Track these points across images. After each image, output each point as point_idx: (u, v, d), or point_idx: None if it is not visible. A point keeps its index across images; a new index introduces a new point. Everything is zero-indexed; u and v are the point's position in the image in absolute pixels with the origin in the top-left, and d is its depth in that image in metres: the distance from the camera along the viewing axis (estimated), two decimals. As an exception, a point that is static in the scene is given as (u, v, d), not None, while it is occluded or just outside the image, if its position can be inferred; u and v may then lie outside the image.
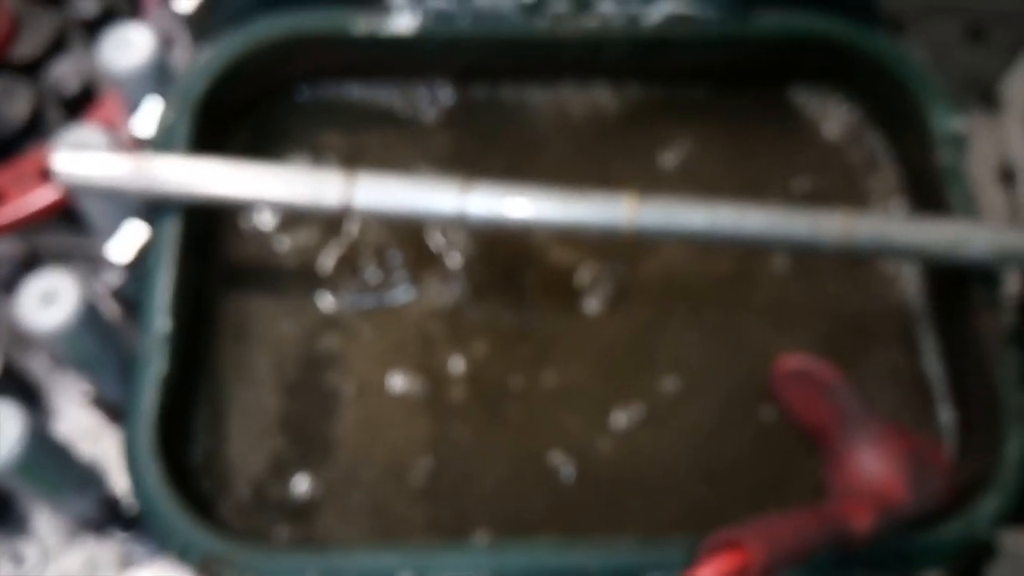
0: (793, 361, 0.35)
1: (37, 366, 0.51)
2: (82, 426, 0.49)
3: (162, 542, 0.35)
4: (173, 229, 0.39)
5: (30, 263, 0.51)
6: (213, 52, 0.43)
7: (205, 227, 0.42)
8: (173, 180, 0.38)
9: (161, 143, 0.41)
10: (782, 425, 0.38)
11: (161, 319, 0.38)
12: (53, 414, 0.50)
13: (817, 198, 0.45)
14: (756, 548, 0.28)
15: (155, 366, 0.37)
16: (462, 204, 0.38)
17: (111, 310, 0.47)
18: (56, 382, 0.51)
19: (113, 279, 0.50)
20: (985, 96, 0.59)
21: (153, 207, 0.41)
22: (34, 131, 0.55)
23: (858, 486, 0.34)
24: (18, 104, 0.55)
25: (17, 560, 0.47)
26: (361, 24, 0.44)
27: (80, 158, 0.38)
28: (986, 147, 0.58)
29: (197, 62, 0.43)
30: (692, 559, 0.29)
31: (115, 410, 0.49)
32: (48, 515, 0.48)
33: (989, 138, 0.58)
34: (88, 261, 0.50)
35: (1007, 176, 0.56)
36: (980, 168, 0.54)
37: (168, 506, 0.35)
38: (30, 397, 0.51)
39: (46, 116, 0.56)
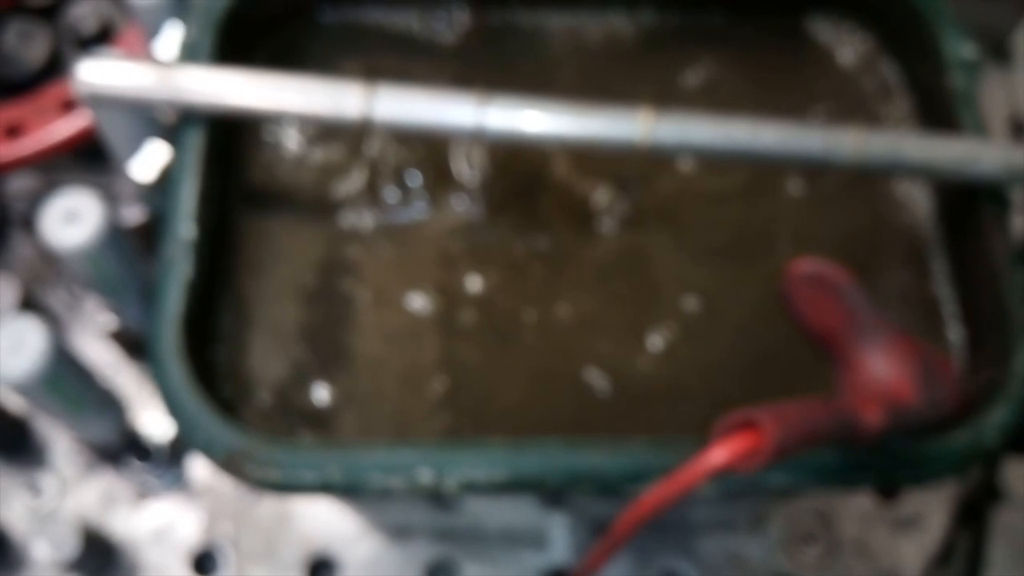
0: (806, 264, 0.36)
1: (57, 300, 0.52)
2: (101, 359, 0.51)
3: (188, 439, 0.36)
4: (197, 140, 0.40)
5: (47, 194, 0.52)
6: (235, -29, 0.43)
7: (228, 141, 0.43)
8: (197, 89, 0.39)
9: (185, 59, 0.42)
10: (800, 341, 0.39)
11: (186, 225, 0.38)
12: (73, 347, 0.51)
13: (832, 124, 0.45)
14: (770, 428, 0.28)
15: (180, 269, 0.37)
16: (480, 117, 0.39)
17: (132, 240, 0.47)
18: (75, 316, 0.52)
19: (136, 214, 0.51)
20: (997, 50, 0.60)
21: (175, 127, 0.41)
22: (52, 72, 0.56)
23: (868, 385, 0.34)
24: (36, 46, 0.56)
25: (34, 490, 0.48)
26: (381, -55, 0.44)
27: (105, 67, 0.39)
28: (997, 100, 0.58)
29: (219, -20, 0.43)
30: (707, 440, 0.30)
31: (134, 343, 0.50)
32: (66, 446, 0.49)
33: (1000, 91, 0.59)
34: (110, 197, 0.51)
35: (1018, 128, 0.57)
36: (991, 120, 0.55)
37: (192, 403, 0.35)
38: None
39: (64, 57, 0.56)
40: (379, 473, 0.35)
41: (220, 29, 0.42)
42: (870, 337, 0.35)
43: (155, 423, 0.49)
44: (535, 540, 0.48)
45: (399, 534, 0.48)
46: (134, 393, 0.50)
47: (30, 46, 0.57)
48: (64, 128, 0.53)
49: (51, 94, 0.54)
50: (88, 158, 0.55)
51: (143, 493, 0.49)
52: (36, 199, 0.54)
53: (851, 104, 0.47)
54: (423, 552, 0.47)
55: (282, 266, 0.42)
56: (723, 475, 0.29)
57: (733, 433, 0.29)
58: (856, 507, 0.49)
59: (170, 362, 0.36)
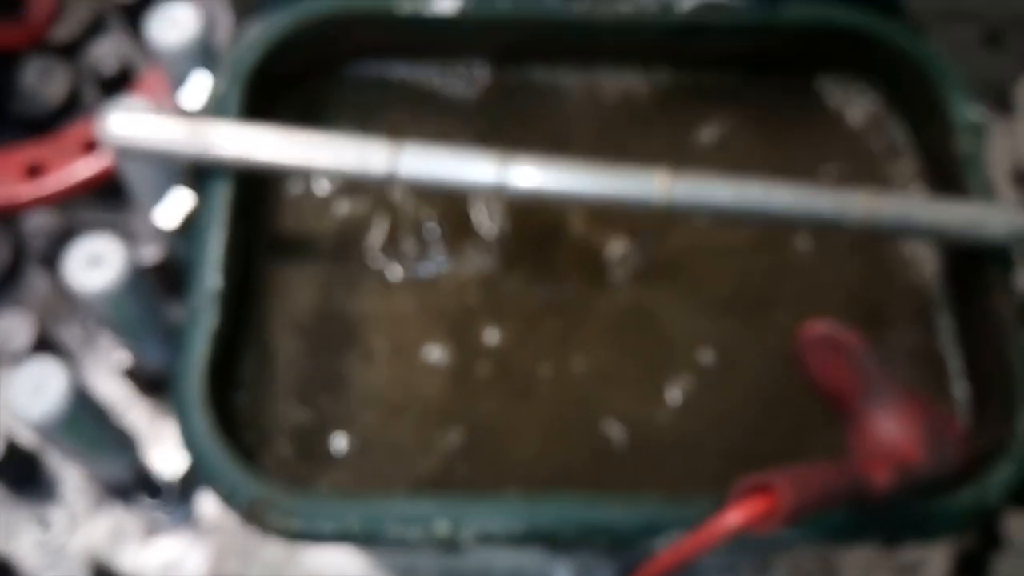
0: (819, 326, 0.37)
1: (70, 336, 0.53)
2: (114, 396, 0.51)
3: (210, 487, 0.36)
4: (225, 192, 0.41)
5: (68, 236, 0.52)
6: (263, 26, 0.44)
7: (254, 193, 0.44)
8: (227, 145, 0.40)
9: (212, 112, 0.43)
10: (809, 395, 0.40)
11: (213, 275, 0.39)
12: (85, 385, 0.52)
13: (842, 183, 0.46)
14: (785, 492, 0.29)
15: (206, 319, 0.38)
16: (501, 175, 0.40)
17: (151, 280, 0.48)
18: (89, 352, 0.52)
19: (154, 253, 0.52)
20: (1000, 100, 0.61)
21: (199, 176, 0.42)
22: (72, 111, 0.57)
23: (877, 447, 0.35)
24: (56, 84, 0.57)
25: (44, 525, 0.49)
26: (406, 4, 0.45)
27: (134, 119, 0.40)
28: (1001, 150, 0.59)
29: (248, 35, 0.44)
30: (721, 504, 0.31)
31: (148, 381, 0.51)
32: (76, 481, 0.49)
33: (1004, 142, 0.60)
34: (128, 236, 0.52)
35: (1021, 178, 0.58)
36: (995, 171, 0.56)
37: (216, 452, 0.36)
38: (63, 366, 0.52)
39: (84, 96, 0.58)
40: (397, 524, 0.36)
41: (248, 82, 0.43)
42: (879, 399, 0.36)
43: (165, 460, 0.50)
44: None
45: (406, 575, 0.48)
46: (145, 430, 0.50)
47: (50, 85, 0.58)
48: (85, 169, 0.54)
49: (73, 135, 0.55)
50: (106, 196, 0.55)
51: (152, 529, 0.49)
52: (54, 236, 0.55)
53: (860, 163, 0.48)
54: None
55: (303, 315, 0.43)
56: (738, 536, 0.30)
57: (749, 496, 0.30)
58: (858, 554, 0.50)
59: (195, 411, 0.37)
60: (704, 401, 0.42)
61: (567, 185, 0.40)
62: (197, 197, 0.43)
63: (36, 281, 0.54)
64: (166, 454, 0.50)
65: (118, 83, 0.59)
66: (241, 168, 0.41)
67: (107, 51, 0.60)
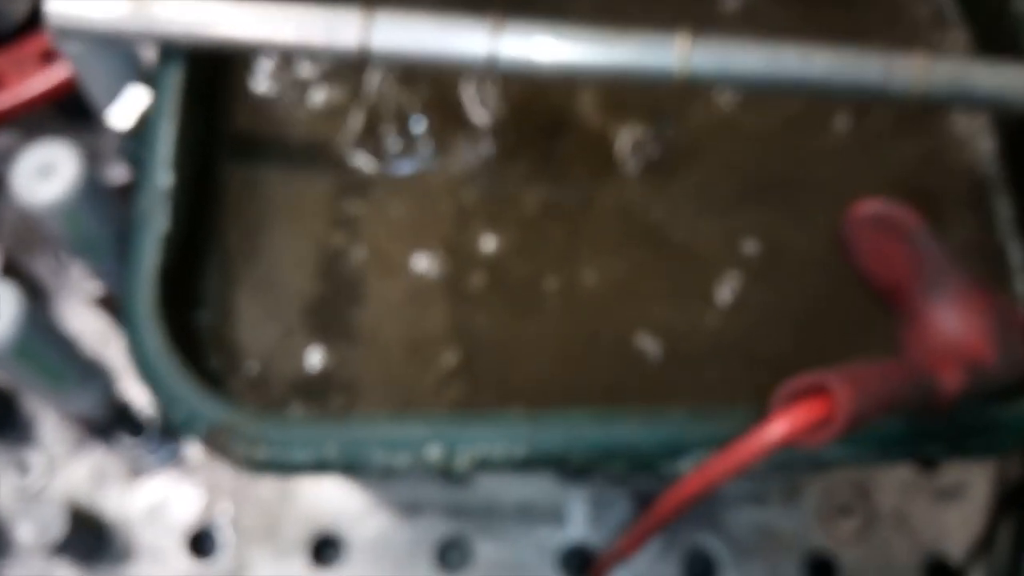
0: (871, 205, 0.31)
1: (42, 266, 0.50)
2: (89, 328, 0.48)
3: (166, 412, 0.32)
4: (176, 77, 0.36)
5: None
6: None
7: (212, 82, 0.39)
8: (175, 20, 0.35)
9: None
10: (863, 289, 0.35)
11: (163, 173, 0.34)
12: (58, 316, 0.49)
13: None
14: (844, 394, 0.24)
15: (156, 222, 0.33)
16: (493, 45, 0.34)
17: (114, 197, 0.44)
18: (61, 283, 0.49)
19: (122, 173, 0.48)
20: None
21: (155, 68, 0.38)
22: (33, 28, 0.52)
23: (941, 344, 0.30)
24: (18, 2, 0.52)
25: (22, 468, 0.46)
26: None
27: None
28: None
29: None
30: (761, 414, 0.25)
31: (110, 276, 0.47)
32: (54, 422, 0.46)
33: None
34: (92, 155, 0.48)
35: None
36: None
37: (170, 372, 0.31)
38: (34, 297, 0.49)
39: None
40: (382, 450, 0.31)
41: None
42: (941, 288, 0.30)
43: (147, 395, 0.46)
44: (553, 515, 0.45)
45: (408, 510, 0.45)
46: (124, 364, 0.47)
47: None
48: (44, 80, 0.50)
49: (30, 45, 0.52)
50: (70, 115, 0.52)
51: (136, 470, 0.46)
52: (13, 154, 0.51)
53: (904, 34, 0.43)
54: (434, 529, 0.45)
55: (273, 222, 0.38)
56: (784, 450, 0.25)
57: (798, 401, 0.25)
58: (895, 477, 0.46)
59: (145, 325, 0.32)
60: (755, 298, 0.37)
61: (572, 56, 0.35)
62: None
63: (2, 209, 0.51)
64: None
65: None
66: (194, 48, 0.36)
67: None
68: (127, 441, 0.46)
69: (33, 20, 0.55)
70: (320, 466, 0.31)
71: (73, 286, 0.49)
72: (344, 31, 0.34)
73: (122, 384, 0.47)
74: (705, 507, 0.45)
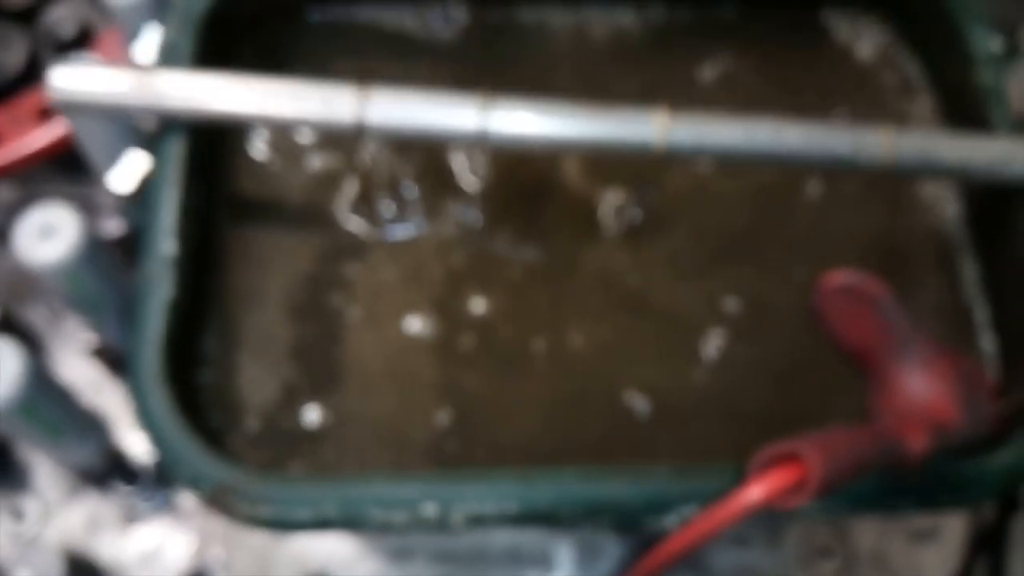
0: (840, 276, 0.33)
1: (37, 317, 0.50)
2: (84, 378, 0.48)
3: (170, 470, 0.33)
4: (178, 149, 0.37)
5: (25, 206, 0.49)
6: (217, -33, 0.41)
7: (211, 150, 0.40)
8: (177, 95, 0.36)
9: (163, 62, 0.39)
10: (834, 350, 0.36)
11: (167, 241, 0.36)
12: (53, 366, 0.49)
13: (855, 122, 0.43)
14: (815, 461, 0.26)
15: (161, 289, 0.35)
16: (483, 121, 0.36)
17: (112, 254, 0.45)
18: (57, 333, 0.49)
19: (117, 226, 0.49)
20: (1009, 43, 0.57)
21: (155, 136, 0.39)
22: (30, 79, 0.53)
23: (908, 407, 0.32)
24: (13, 51, 0.54)
25: (16, 515, 0.46)
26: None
27: (79, 73, 0.36)
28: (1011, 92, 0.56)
29: (200, -22, 0.40)
30: (739, 475, 0.27)
31: (117, 361, 0.47)
32: (49, 468, 0.46)
33: (1013, 84, 0.57)
34: (89, 209, 0.49)
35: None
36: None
37: (176, 433, 0.33)
38: (30, 347, 0.49)
39: (42, 62, 0.54)
40: (380, 508, 0.32)
41: (201, 30, 0.40)
42: (908, 353, 0.32)
43: (141, 444, 0.46)
44: (541, 560, 0.46)
45: (399, 556, 0.45)
46: (119, 412, 0.47)
47: (7, 52, 0.55)
48: (41, 137, 0.50)
49: (28, 102, 0.52)
50: (67, 168, 0.52)
51: (130, 516, 0.46)
52: (12, 210, 0.52)
53: (872, 101, 0.44)
54: (424, 572, 0.45)
55: (271, 283, 0.40)
56: (761, 512, 0.27)
57: (773, 466, 0.26)
58: (872, 521, 0.47)
59: (152, 389, 0.33)
60: (740, 354, 0.39)
61: (557, 130, 0.36)
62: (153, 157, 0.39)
63: None
64: (141, 438, 0.47)
65: (77, 46, 0.55)
66: (195, 121, 0.37)
67: (64, 14, 0.56)
68: (121, 488, 0.47)
69: (29, 72, 0.56)
70: (320, 524, 0.33)
71: (68, 336, 0.49)
72: (340, 106, 0.36)
73: (117, 433, 0.47)
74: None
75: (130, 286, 0.45)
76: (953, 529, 0.47)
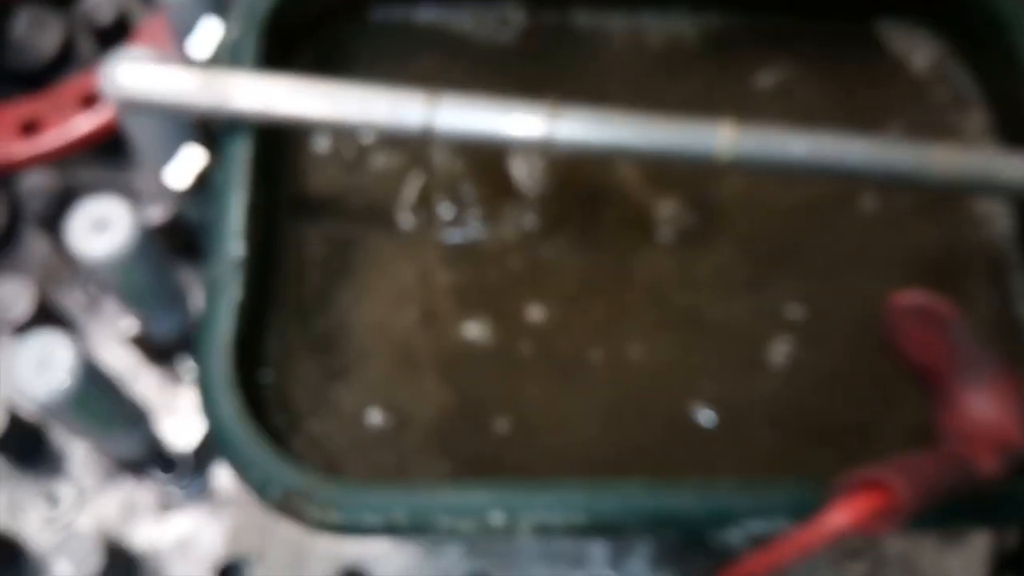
0: (910, 296, 0.33)
1: (72, 302, 0.50)
2: (121, 365, 0.48)
3: (240, 477, 0.33)
4: (245, 150, 0.37)
5: (67, 197, 0.50)
6: (280, -34, 0.41)
7: (275, 148, 0.40)
8: (247, 97, 0.36)
9: (224, 62, 0.39)
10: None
11: (235, 243, 0.36)
12: (90, 353, 0.49)
13: (909, 135, 0.43)
14: (901, 487, 0.26)
15: (230, 292, 0.35)
16: (551, 128, 0.36)
17: (160, 245, 0.45)
18: (92, 319, 0.49)
19: (160, 213, 0.49)
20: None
21: (211, 131, 0.39)
22: (65, 64, 0.54)
23: (975, 428, 0.32)
24: (49, 35, 0.53)
25: (52, 501, 0.46)
26: (436, -61, 0.42)
27: (142, 71, 0.36)
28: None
29: (264, -23, 0.40)
30: (809, 489, 0.27)
31: (157, 348, 0.48)
32: (84, 454, 0.46)
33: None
34: (131, 195, 0.47)
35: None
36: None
37: (247, 439, 0.33)
38: (67, 334, 0.49)
39: (78, 47, 0.54)
40: (448, 515, 0.33)
41: (264, 29, 0.40)
42: (975, 375, 0.33)
43: (178, 431, 0.47)
44: (575, 558, 0.46)
45: (432, 548, 0.45)
46: (155, 399, 0.47)
47: (42, 36, 0.55)
48: (84, 124, 0.50)
49: (70, 88, 0.52)
50: (107, 153, 0.52)
51: (166, 504, 0.46)
52: (53, 197, 0.52)
53: (925, 114, 0.45)
54: (457, 567, 0.45)
55: (329, 284, 0.40)
56: (847, 537, 0.27)
57: (857, 493, 0.27)
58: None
59: (222, 395, 0.33)
60: (808, 360, 0.39)
61: (623, 139, 0.37)
62: (210, 154, 0.39)
63: (35, 245, 0.51)
64: (178, 425, 0.47)
65: (114, 33, 0.55)
66: (261, 123, 0.37)
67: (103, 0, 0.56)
68: (157, 475, 0.47)
69: (64, 57, 0.55)
70: (389, 529, 0.33)
71: (105, 322, 0.49)
72: (410, 112, 0.36)
73: (154, 420, 0.46)
74: (717, 547, 0.46)
75: (175, 275, 0.45)
76: (979, 535, 0.47)
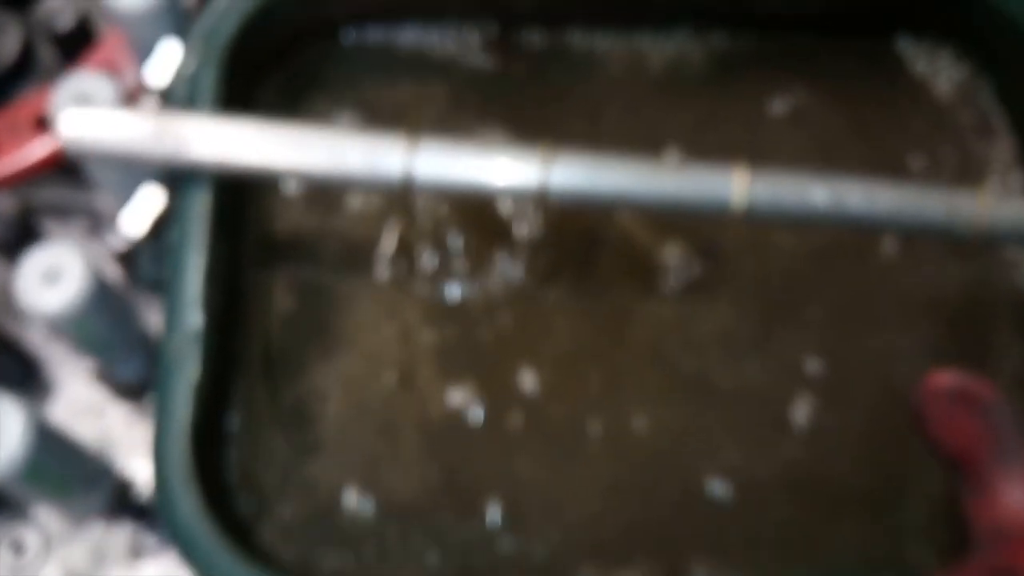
0: (947, 378, 0.30)
1: (34, 334, 0.47)
2: (84, 401, 0.46)
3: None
4: (203, 203, 0.33)
5: (26, 220, 0.47)
6: (240, -12, 0.37)
7: (239, 193, 0.37)
8: (204, 146, 0.33)
9: (183, 97, 0.35)
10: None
11: (193, 314, 0.32)
12: (52, 388, 0.46)
13: (933, 166, 0.40)
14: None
15: (188, 371, 0.31)
16: (544, 176, 0.33)
17: (116, 275, 0.42)
18: (54, 352, 0.47)
19: (119, 242, 0.46)
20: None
21: (175, 185, 0.35)
22: (25, 71, 0.51)
23: (1011, 518, 0.29)
24: (7, 42, 0.51)
25: (17, 549, 0.44)
26: (415, -43, 0.38)
27: (91, 117, 0.33)
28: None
29: (223, 1, 0.36)
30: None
31: (121, 385, 0.45)
32: (51, 501, 0.44)
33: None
34: (89, 217, 0.47)
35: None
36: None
37: (209, 543, 0.30)
38: (26, 369, 0.46)
39: (38, 55, 0.52)
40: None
41: (225, 58, 0.36)
42: (1013, 460, 0.29)
43: (147, 471, 0.44)
44: None
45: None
46: (122, 437, 0.45)
47: (1, 42, 0.52)
48: (40, 148, 0.47)
49: (25, 108, 0.48)
50: (67, 173, 0.49)
51: (136, 551, 0.44)
52: (8, 221, 0.49)
53: (950, 142, 0.41)
54: None
55: (299, 345, 0.36)
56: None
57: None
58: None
59: (180, 492, 0.30)
60: (831, 419, 0.36)
61: (624, 189, 0.33)
62: (169, 196, 0.36)
63: None
64: (148, 464, 0.44)
65: (75, 40, 0.52)
66: (221, 173, 0.34)
67: (62, 3, 0.53)
68: (127, 521, 0.44)
69: (24, 64, 0.52)
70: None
71: (67, 356, 0.46)
72: (387, 162, 0.32)
73: (122, 459, 0.44)
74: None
75: (136, 320, 0.42)
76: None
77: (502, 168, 0.33)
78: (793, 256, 0.39)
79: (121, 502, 0.44)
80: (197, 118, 0.33)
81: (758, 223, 0.34)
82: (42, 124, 0.47)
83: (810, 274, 0.39)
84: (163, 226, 0.37)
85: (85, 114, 0.32)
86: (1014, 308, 0.39)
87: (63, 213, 0.47)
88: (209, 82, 0.35)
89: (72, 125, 0.32)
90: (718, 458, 0.35)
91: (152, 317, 0.44)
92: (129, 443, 0.44)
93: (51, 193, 0.49)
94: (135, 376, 0.44)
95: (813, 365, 0.37)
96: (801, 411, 0.37)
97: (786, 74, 0.41)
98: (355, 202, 0.39)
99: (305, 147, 0.33)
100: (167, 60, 0.39)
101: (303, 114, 0.39)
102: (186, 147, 0.33)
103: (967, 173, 0.40)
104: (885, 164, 0.40)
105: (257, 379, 0.35)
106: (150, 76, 0.39)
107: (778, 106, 0.41)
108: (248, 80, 0.37)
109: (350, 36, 0.40)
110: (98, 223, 0.47)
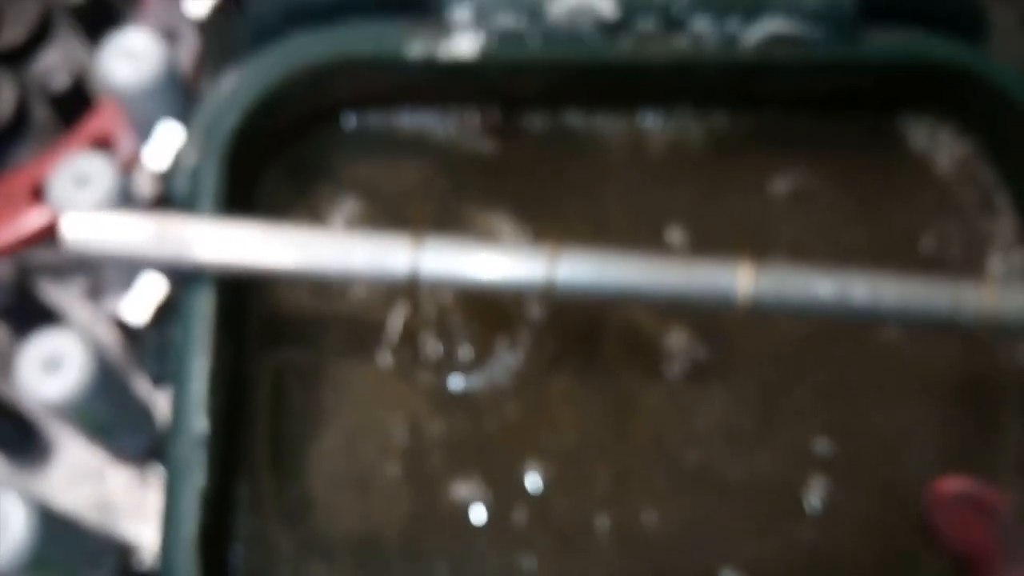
0: (956, 484, 0.31)
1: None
2: (84, 465, 0.45)
3: None
4: (206, 304, 0.33)
5: (23, 282, 0.47)
6: (243, 79, 0.37)
7: (241, 291, 0.36)
8: (207, 249, 0.32)
9: (185, 194, 0.35)
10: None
11: (198, 419, 0.32)
12: (51, 451, 0.45)
13: (935, 245, 0.41)
14: None
15: (194, 478, 0.31)
16: (551, 273, 0.33)
17: (116, 344, 0.42)
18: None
19: (116, 307, 0.45)
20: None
21: (179, 285, 0.35)
22: (20, 130, 0.51)
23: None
24: (2, 100, 0.50)
25: None
26: (416, 47, 0.37)
27: (92, 221, 0.32)
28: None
29: (223, 92, 0.36)
30: None
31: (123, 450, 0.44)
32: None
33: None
34: (88, 279, 0.46)
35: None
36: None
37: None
38: (24, 433, 0.45)
39: (33, 114, 0.51)
40: None
41: (227, 150, 0.36)
42: (1020, 565, 0.29)
43: (150, 539, 0.43)
44: None
45: None
46: (124, 502, 0.44)
47: (-5, 101, 0.51)
48: (37, 219, 0.46)
49: (21, 178, 0.48)
50: None
51: None
52: (6, 288, 0.48)
53: (953, 220, 0.41)
54: None
55: (304, 439, 0.36)
56: None
57: None
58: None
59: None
60: (843, 501, 0.36)
61: (629, 283, 0.33)
62: (171, 285, 0.36)
63: None
64: (150, 532, 0.43)
65: (70, 100, 0.51)
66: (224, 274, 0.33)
67: (56, 61, 0.53)
68: (129, 586, 0.44)
69: (18, 122, 0.52)
70: None
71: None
72: (392, 261, 0.32)
73: (122, 525, 0.43)
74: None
75: (138, 399, 0.42)
76: None
77: (508, 265, 0.33)
78: (797, 336, 0.39)
79: (125, 572, 0.44)
80: (199, 221, 0.33)
81: (763, 314, 0.34)
82: (38, 194, 0.47)
83: (815, 353, 0.39)
84: (165, 315, 0.37)
85: (87, 218, 0.32)
86: (1015, 383, 0.39)
87: (61, 275, 0.47)
88: (211, 177, 0.35)
89: (74, 228, 0.32)
90: (731, 550, 0.35)
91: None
92: (130, 508, 0.44)
93: (49, 255, 0.49)
94: (137, 451, 0.44)
95: (822, 446, 0.37)
96: (815, 493, 0.37)
97: (787, 152, 0.41)
98: (359, 291, 0.39)
99: (310, 248, 0.33)
100: (166, 142, 0.38)
101: (306, 199, 0.39)
102: (189, 250, 0.32)
103: (969, 251, 0.40)
104: (888, 242, 0.40)
105: (264, 474, 0.35)
106: (148, 158, 0.39)
107: (780, 184, 0.41)
108: (250, 169, 0.37)
109: (351, 121, 0.40)
110: (97, 286, 0.47)
